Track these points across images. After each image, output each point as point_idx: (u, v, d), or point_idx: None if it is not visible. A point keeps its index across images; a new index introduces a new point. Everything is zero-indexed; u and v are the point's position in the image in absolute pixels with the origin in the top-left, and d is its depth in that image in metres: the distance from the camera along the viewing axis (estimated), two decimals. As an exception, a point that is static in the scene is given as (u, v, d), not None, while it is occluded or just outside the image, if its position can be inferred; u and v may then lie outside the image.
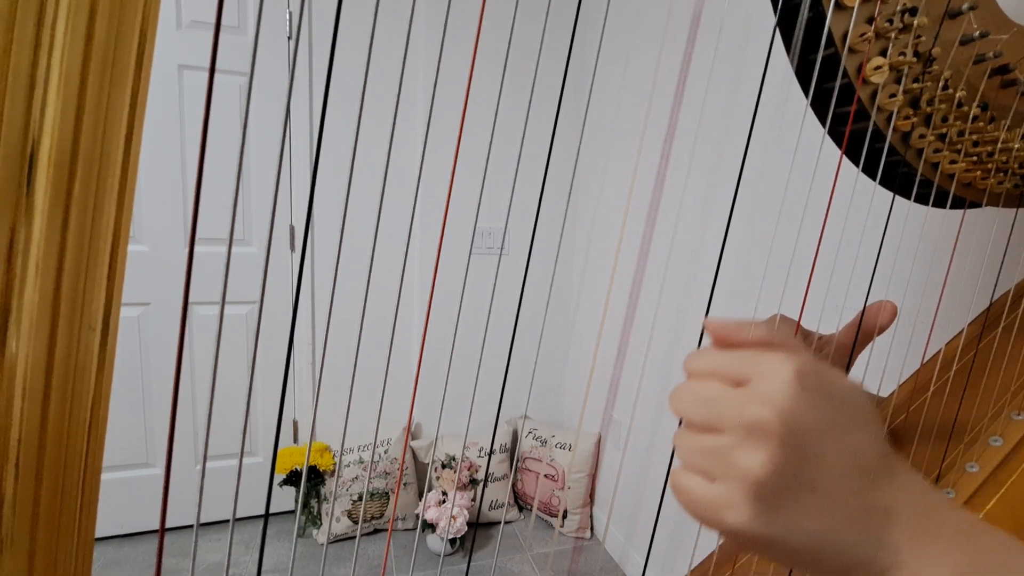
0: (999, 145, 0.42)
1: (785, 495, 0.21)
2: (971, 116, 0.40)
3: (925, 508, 0.22)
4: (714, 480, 0.22)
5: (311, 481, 1.83)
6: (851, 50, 0.36)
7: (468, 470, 1.84)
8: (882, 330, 0.40)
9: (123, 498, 1.77)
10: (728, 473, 0.21)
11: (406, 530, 1.88)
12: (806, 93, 0.37)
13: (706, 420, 0.23)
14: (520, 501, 2.03)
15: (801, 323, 0.41)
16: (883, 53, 0.37)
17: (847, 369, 0.44)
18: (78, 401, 0.28)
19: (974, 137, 0.41)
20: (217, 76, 1.68)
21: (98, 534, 1.76)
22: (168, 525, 1.83)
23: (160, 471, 1.83)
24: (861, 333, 0.41)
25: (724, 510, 0.21)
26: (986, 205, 0.46)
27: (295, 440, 1.95)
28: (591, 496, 1.93)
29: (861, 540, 0.21)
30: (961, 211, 0.46)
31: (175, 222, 1.71)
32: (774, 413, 0.21)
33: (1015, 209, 0.47)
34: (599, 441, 1.92)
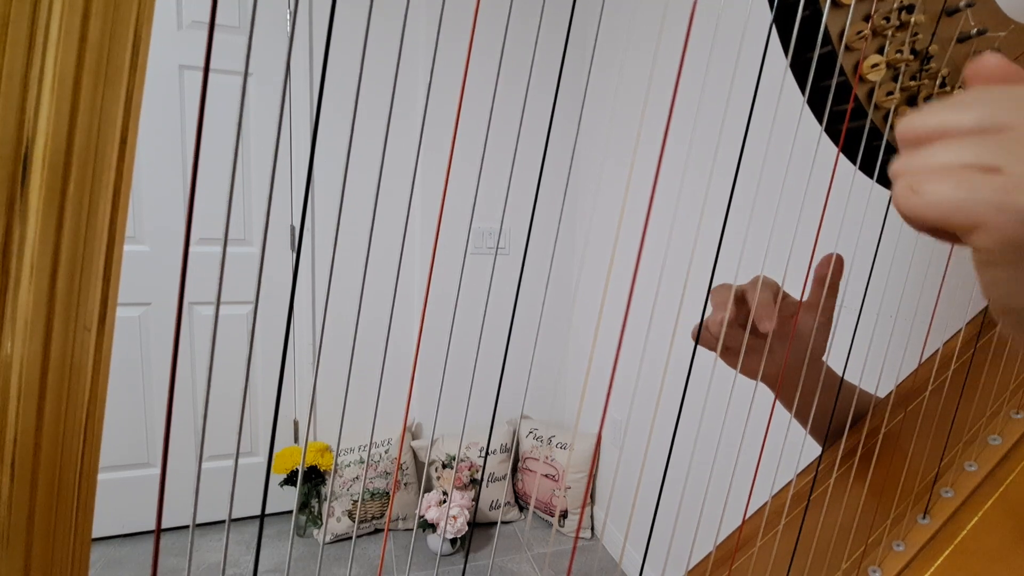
0: (997, 143, 0.41)
1: None
2: (969, 114, 0.40)
3: None
4: (996, 172, 0.18)
5: (312, 481, 1.83)
6: (848, 48, 0.36)
7: (468, 470, 1.84)
8: (838, 277, 0.42)
9: (123, 498, 1.77)
10: None
11: (407, 530, 1.88)
12: (803, 91, 0.37)
13: (980, 122, 0.19)
14: (520, 501, 2.03)
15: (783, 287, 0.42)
16: (880, 51, 0.37)
17: (828, 328, 0.45)
18: (74, 401, 0.28)
19: (972, 135, 0.41)
20: (220, 76, 1.68)
21: (99, 534, 1.77)
22: (170, 524, 1.84)
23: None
24: (824, 286, 0.44)
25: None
26: (984, 203, 0.45)
27: (296, 440, 1.95)
28: (591, 496, 1.93)
29: None
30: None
31: (175, 222, 1.71)
32: None
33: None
34: (598, 441, 1.92)
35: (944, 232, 0.19)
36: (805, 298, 0.46)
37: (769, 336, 0.42)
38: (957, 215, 0.18)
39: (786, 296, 0.44)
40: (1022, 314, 0.20)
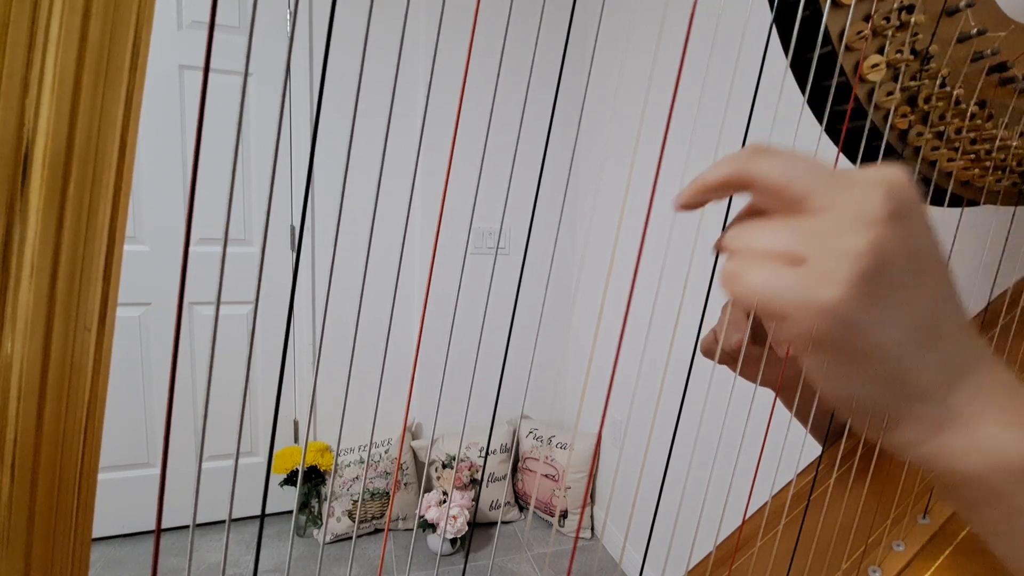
0: (997, 143, 0.42)
1: (890, 282, 0.19)
2: (969, 114, 0.40)
3: (1008, 371, 0.20)
4: (802, 263, 0.19)
5: (312, 481, 1.83)
6: (848, 48, 0.36)
7: (468, 470, 1.84)
8: None
9: (124, 498, 1.77)
10: (828, 251, 0.19)
11: (407, 530, 1.88)
12: (803, 91, 0.37)
13: (801, 197, 0.20)
14: (520, 501, 2.03)
15: None
16: (880, 51, 0.37)
17: None
18: (74, 401, 0.28)
19: (972, 135, 0.41)
20: (220, 76, 1.68)
21: (99, 534, 1.77)
22: (171, 524, 1.84)
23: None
24: None
25: (820, 285, 0.18)
26: (984, 203, 0.46)
27: (296, 440, 1.95)
28: (591, 495, 1.93)
29: (948, 364, 0.19)
30: (959, 209, 0.46)
31: (176, 222, 1.71)
32: (885, 193, 0.19)
33: (1013, 207, 0.47)
34: (598, 440, 1.92)
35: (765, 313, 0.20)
36: None
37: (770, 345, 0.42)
38: (766, 306, 0.19)
39: None
40: (844, 402, 0.21)
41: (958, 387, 0.19)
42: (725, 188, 0.22)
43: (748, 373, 0.45)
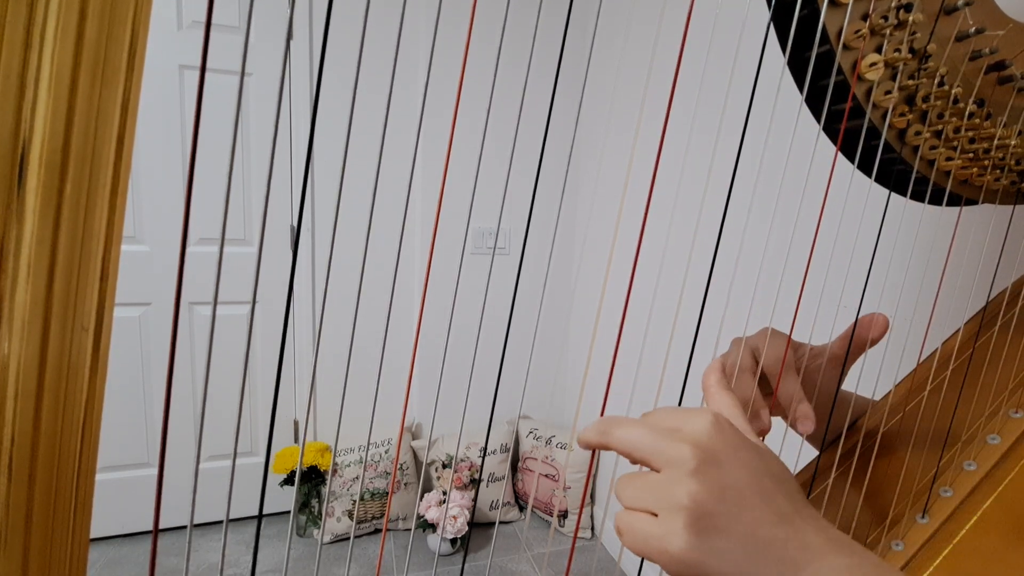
0: (996, 142, 0.41)
1: (712, 520, 0.23)
2: (967, 113, 0.40)
3: (842, 545, 0.24)
4: (657, 515, 0.24)
5: (312, 481, 1.83)
6: (846, 46, 0.36)
7: (469, 470, 1.84)
8: (874, 343, 0.41)
9: (123, 498, 1.77)
10: (666, 507, 0.24)
11: (406, 530, 1.88)
12: (801, 90, 0.37)
13: (645, 461, 0.26)
14: (520, 500, 2.03)
15: (792, 336, 0.41)
16: (878, 50, 0.37)
17: (839, 380, 0.44)
18: (71, 402, 0.27)
19: (970, 134, 0.41)
20: (221, 76, 1.68)
21: (99, 534, 1.77)
22: (171, 524, 1.84)
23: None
24: (853, 345, 0.42)
25: (667, 539, 0.23)
26: (983, 202, 0.46)
27: (296, 440, 1.95)
28: (591, 495, 1.93)
29: (784, 564, 0.23)
30: (957, 208, 0.46)
31: (176, 222, 1.71)
32: (693, 448, 0.24)
33: (1012, 206, 0.47)
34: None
35: None
36: (825, 342, 0.45)
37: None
38: (639, 553, 0.24)
39: (799, 347, 0.43)
40: None
41: (808, 571, 0.23)
42: (598, 448, 0.28)
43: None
